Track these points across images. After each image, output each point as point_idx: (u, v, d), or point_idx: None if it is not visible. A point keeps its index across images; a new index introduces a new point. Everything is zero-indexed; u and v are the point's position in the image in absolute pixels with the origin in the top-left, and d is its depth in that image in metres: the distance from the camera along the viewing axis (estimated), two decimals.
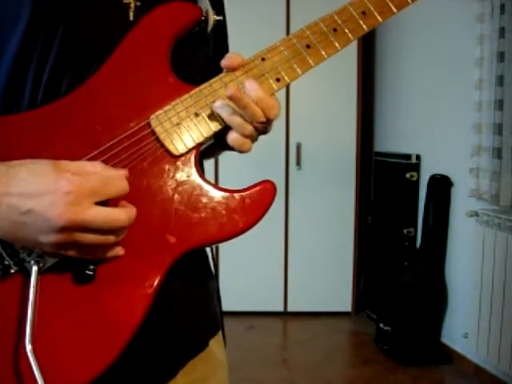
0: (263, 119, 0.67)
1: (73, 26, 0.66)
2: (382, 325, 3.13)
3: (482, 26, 2.64)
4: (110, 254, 0.62)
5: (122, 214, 0.60)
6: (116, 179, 0.60)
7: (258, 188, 0.68)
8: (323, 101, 3.60)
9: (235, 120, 0.67)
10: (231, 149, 0.77)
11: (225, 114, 0.67)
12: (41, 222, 0.56)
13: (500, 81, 2.58)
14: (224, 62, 0.69)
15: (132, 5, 0.69)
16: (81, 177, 0.57)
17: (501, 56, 2.57)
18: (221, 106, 0.67)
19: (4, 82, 0.66)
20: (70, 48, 0.66)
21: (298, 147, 3.61)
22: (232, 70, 0.69)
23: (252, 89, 0.67)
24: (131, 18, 0.69)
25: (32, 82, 0.66)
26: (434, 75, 3.22)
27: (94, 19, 0.67)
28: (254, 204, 0.67)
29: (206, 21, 0.78)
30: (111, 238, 0.60)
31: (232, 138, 0.68)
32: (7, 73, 0.66)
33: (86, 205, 0.57)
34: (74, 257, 0.60)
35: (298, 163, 3.62)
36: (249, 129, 0.68)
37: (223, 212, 0.66)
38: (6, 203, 0.56)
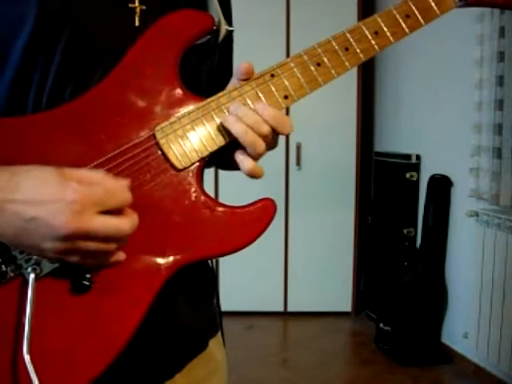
0: (265, 129, 0.66)
1: (77, 31, 0.65)
2: (382, 325, 3.13)
3: (482, 26, 2.65)
4: (112, 260, 0.62)
5: (125, 224, 0.60)
6: (120, 190, 0.60)
7: (259, 205, 0.67)
8: (323, 101, 3.59)
9: (248, 137, 0.66)
10: (226, 167, 0.77)
11: (237, 131, 0.66)
12: (45, 229, 0.56)
13: (500, 81, 2.58)
14: (242, 75, 0.68)
15: (138, 9, 0.69)
16: (86, 186, 0.57)
17: (501, 56, 2.57)
18: (233, 122, 0.66)
19: (8, 87, 0.66)
20: (74, 53, 0.66)
21: (298, 147, 3.61)
22: (249, 76, 0.68)
23: (262, 108, 0.67)
24: (137, 24, 0.69)
25: (36, 87, 0.66)
26: (434, 75, 3.22)
27: (99, 24, 0.67)
28: (254, 221, 0.67)
29: (218, 31, 0.77)
30: (113, 246, 0.60)
31: (247, 166, 0.67)
32: (12, 77, 0.65)
33: (91, 214, 0.57)
34: (76, 263, 0.60)
35: (298, 163, 3.62)
36: (262, 146, 0.66)
37: (223, 228, 0.66)
38: (10, 210, 0.56)
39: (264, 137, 0.66)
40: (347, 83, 3.56)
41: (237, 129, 0.66)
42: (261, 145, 0.66)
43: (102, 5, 0.67)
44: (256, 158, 0.68)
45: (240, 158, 0.68)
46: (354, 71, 3.55)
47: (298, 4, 3.54)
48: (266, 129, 0.66)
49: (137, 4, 0.69)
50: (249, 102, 0.68)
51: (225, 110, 0.67)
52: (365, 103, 3.74)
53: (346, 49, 0.70)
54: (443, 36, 3.10)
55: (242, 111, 0.66)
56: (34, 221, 0.56)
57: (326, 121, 3.63)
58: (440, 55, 3.14)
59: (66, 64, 0.66)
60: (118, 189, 0.60)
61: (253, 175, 0.68)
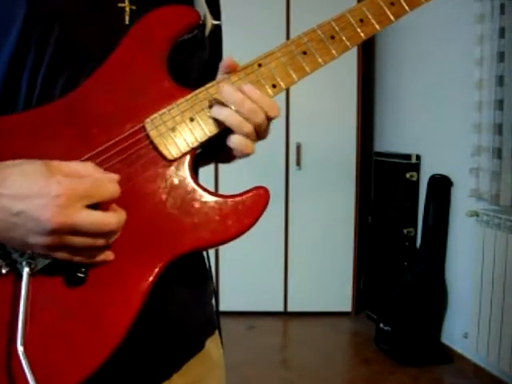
0: (262, 117, 0.67)
1: (66, 31, 0.66)
2: (382, 325, 3.13)
3: (482, 26, 2.65)
4: (100, 257, 0.62)
5: (113, 218, 0.60)
6: (107, 182, 0.60)
7: (252, 194, 0.68)
8: (323, 101, 3.60)
9: (234, 118, 0.67)
10: (223, 159, 0.77)
11: (222, 115, 0.67)
12: (31, 223, 0.56)
13: (500, 81, 2.58)
14: (226, 68, 0.70)
15: (127, 8, 0.69)
16: (72, 179, 0.58)
17: (501, 56, 2.57)
18: (218, 109, 0.67)
19: None
20: (63, 52, 0.66)
21: (298, 147, 3.61)
22: (233, 71, 0.69)
23: (250, 90, 0.67)
24: (127, 22, 0.69)
25: (27, 84, 0.66)
26: (433, 75, 3.22)
27: (88, 23, 0.67)
28: (247, 210, 0.67)
29: (204, 25, 0.78)
30: (101, 241, 0.60)
31: (234, 140, 0.68)
32: (2, 76, 0.66)
33: (77, 208, 0.57)
34: (64, 259, 0.60)
35: (298, 163, 3.62)
36: (248, 126, 0.67)
37: (216, 217, 0.66)
38: None
39: (249, 113, 0.67)
40: (347, 83, 3.56)
41: (223, 114, 0.66)
42: (245, 124, 0.67)
43: (90, 5, 0.68)
44: (252, 138, 0.68)
45: (230, 137, 0.68)
46: (355, 71, 3.55)
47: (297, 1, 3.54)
48: (247, 105, 0.66)
49: (126, 3, 0.70)
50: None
51: (213, 101, 0.68)
52: (365, 103, 3.74)
53: (332, 37, 0.71)
54: (443, 36, 3.10)
55: (225, 91, 0.67)
56: (20, 215, 0.56)
57: (326, 121, 3.63)
58: (440, 55, 3.14)
59: (55, 63, 0.66)
60: (105, 181, 0.60)
61: (243, 150, 0.68)
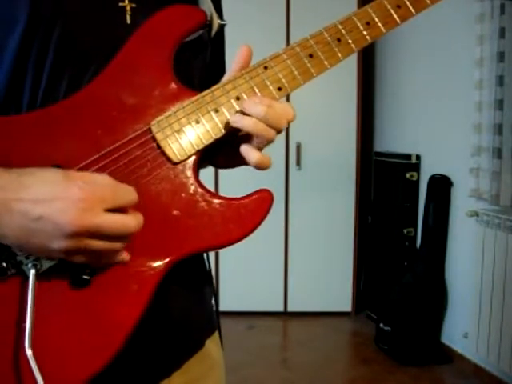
0: (284, 123, 0.68)
1: (68, 31, 0.66)
2: (382, 325, 3.13)
3: (481, 26, 2.65)
4: (117, 259, 0.62)
5: (132, 220, 0.60)
6: (125, 189, 0.61)
7: (255, 197, 0.67)
8: (323, 101, 3.60)
9: (259, 127, 0.66)
10: (220, 165, 0.78)
11: (246, 124, 0.66)
12: (52, 228, 0.56)
13: (500, 81, 2.59)
14: (240, 63, 0.69)
15: (128, 7, 0.69)
16: (91, 185, 0.58)
17: (501, 56, 2.57)
18: (240, 117, 0.66)
19: (3, 87, 0.66)
20: (66, 52, 0.66)
21: (298, 147, 3.61)
22: (248, 60, 0.70)
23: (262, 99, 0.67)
24: (128, 22, 0.69)
25: (30, 85, 0.66)
26: (434, 75, 3.22)
27: (90, 23, 0.67)
28: (251, 213, 0.67)
29: (211, 25, 0.78)
30: (118, 245, 0.60)
31: (255, 157, 0.67)
32: (6, 78, 0.66)
33: (97, 211, 0.57)
34: (82, 263, 0.60)
35: (298, 163, 3.62)
36: (272, 133, 0.67)
37: (219, 220, 0.66)
38: (17, 209, 0.56)
39: (273, 121, 0.67)
40: (347, 83, 3.56)
41: (246, 123, 0.66)
42: (271, 132, 0.67)
43: (92, 4, 0.68)
44: (261, 148, 0.68)
45: (246, 149, 0.68)
46: (355, 71, 3.55)
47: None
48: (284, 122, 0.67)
49: (127, 2, 0.69)
50: (243, 95, 0.68)
51: (220, 104, 0.68)
52: (365, 103, 3.74)
53: (338, 40, 0.71)
54: (443, 36, 3.10)
55: (256, 110, 0.66)
56: (41, 220, 0.56)
57: (326, 121, 3.63)
58: (440, 55, 3.14)
59: (58, 63, 0.66)
60: (123, 188, 0.61)
61: (261, 166, 0.68)
